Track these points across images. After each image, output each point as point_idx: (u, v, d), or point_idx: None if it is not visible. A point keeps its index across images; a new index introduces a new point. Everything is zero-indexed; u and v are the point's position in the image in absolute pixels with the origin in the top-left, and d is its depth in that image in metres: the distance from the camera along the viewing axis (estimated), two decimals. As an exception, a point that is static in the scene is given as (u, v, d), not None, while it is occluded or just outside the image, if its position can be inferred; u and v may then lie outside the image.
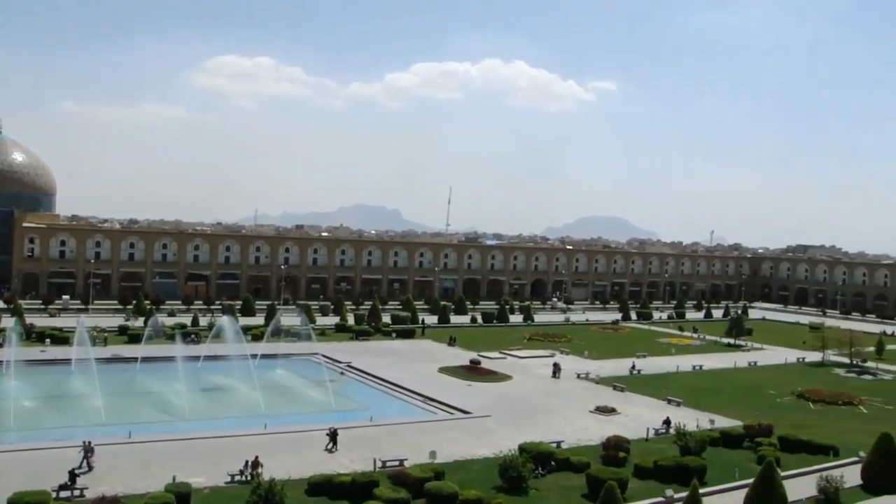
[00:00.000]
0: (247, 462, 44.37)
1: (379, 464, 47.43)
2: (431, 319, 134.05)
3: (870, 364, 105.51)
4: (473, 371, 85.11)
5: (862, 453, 51.91)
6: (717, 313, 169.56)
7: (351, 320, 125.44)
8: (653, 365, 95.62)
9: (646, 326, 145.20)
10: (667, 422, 61.22)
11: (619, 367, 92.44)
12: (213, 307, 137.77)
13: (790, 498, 41.29)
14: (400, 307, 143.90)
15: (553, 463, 48.33)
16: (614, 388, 78.99)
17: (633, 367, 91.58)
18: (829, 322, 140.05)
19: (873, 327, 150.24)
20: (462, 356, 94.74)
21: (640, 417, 64.93)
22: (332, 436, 51.59)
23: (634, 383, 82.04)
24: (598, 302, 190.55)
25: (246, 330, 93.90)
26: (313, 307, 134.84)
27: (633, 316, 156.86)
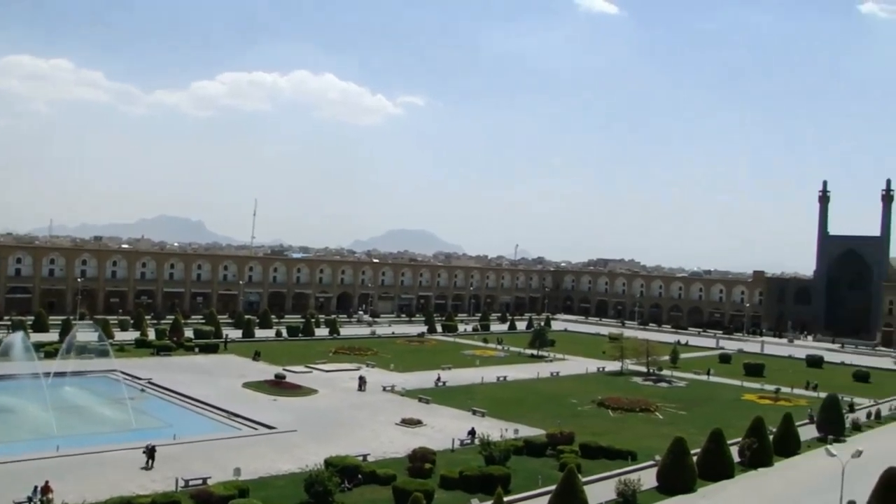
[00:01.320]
0: (36, 488, 42.14)
1: (181, 483, 46.46)
2: (236, 334, 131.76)
3: (665, 372, 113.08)
4: (278, 386, 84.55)
5: (657, 457, 55.79)
6: (521, 325, 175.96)
7: (152, 335, 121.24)
8: (458, 377, 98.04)
9: (451, 339, 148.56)
10: (472, 432, 63.04)
11: (424, 379, 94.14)
12: (1, 323, 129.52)
13: (591, 502, 43.86)
14: (203, 321, 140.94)
15: (359, 476, 48.98)
16: (420, 400, 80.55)
17: (439, 379, 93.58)
18: (627, 333, 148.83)
19: (668, 337, 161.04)
20: (267, 371, 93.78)
21: (445, 429, 66.54)
22: (150, 452, 50.66)
23: (440, 395, 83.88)
24: (404, 315, 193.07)
25: (38, 347, 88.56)
26: (112, 322, 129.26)
27: (439, 328, 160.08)
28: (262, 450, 56.83)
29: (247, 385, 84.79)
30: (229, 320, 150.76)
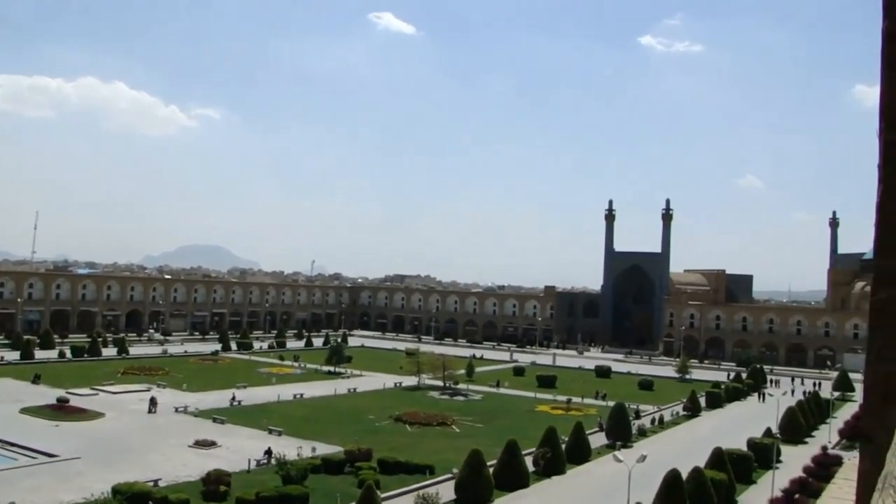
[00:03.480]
0: None
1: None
2: (13, 355, 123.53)
3: (461, 386, 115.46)
4: (61, 410, 79.81)
5: (455, 470, 56.99)
6: (318, 342, 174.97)
7: None
8: (254, 395, 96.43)
9: (246, 356, 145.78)
10: (268, 452, 62.15)
11: (219, 398, 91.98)
12: None
13: (390, 516, 44.35)
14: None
15: (150, 503, 47.24)
16: (215, 420, 78.62)
17: (234, 398, 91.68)
18: (423, 348, 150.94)
19: (464, 351, 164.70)
20: (49, 394, 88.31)
21: (241, 449, 65.27)
22: None
23: (235, 415, 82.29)
24: (197, 333, 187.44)
25: None
26: None
27: (234, 346, 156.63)
28: (41, 481, 53.55)
29: (25, 411, 79.49)
30: (6, 341, 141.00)
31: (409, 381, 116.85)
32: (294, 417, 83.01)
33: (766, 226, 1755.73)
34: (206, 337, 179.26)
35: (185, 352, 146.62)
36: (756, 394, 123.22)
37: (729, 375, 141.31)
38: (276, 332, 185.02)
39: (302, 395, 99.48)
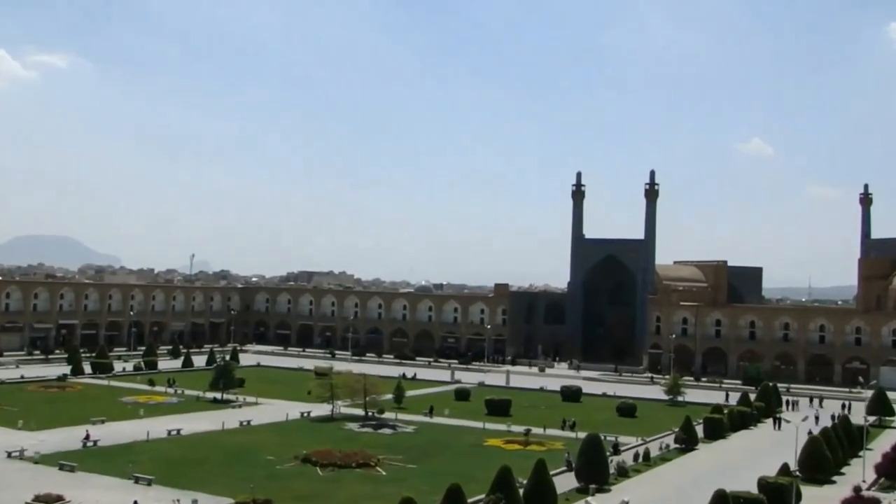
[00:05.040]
0: None
1: None
2: None
3: (388, 415, 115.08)
4: None
5: (379, 523, 56.62)
6: (200, 360, 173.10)
7: None
8: (115, 433, 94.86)
9: (105, 381, 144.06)
10: (135, 507, 61.34)
11: (68, 438, 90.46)
12: None
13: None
14: None
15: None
16: (62, 467, 77.05)
17: (88, 437, 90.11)
18: (338, 366, 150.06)
19: (391, 370, 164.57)
20: None
21: (98, 505, 64.27)
22: None
23: (90, 459, 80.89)
24: (38, 352, 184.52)
25: None
26: None
27: (88, 369, 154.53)
28: None
29: None
30: None
31: (321, 409, 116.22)
32: (169, 460, 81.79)
33: (779, 204, 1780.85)
34: (51, 357, 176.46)
35: (22, 377, 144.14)
36: (769, 420, 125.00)
37: (726, 397, 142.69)
38: (144, 348, 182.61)
39: (179, 430, 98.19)
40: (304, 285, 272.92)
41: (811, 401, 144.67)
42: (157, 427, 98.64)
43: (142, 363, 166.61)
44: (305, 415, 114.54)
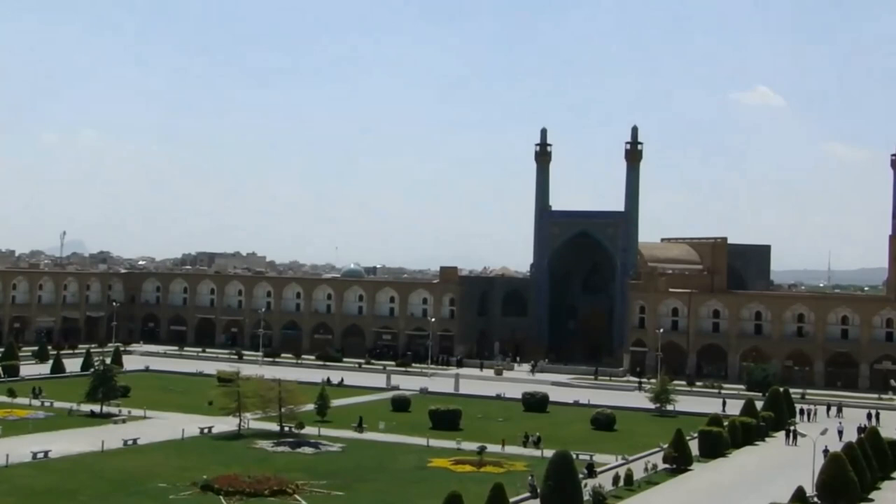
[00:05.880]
0: None
1: None
2: None
3: (309, 430, 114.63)
4: None
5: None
6: (74, 365, 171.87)
7: None
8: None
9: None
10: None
11: None
12: None
13: None
14: None
15: None
16: None
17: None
18: (247, 369, 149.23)
19: (313, 374, 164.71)
20: None
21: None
22: None
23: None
24: None
25: None
26: None
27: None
28: None
29: None
30: None
31: (225, 424, 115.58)
32: (33, 492, 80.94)
33: (790, 168, 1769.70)
34: None
35: None
36: (779, 433, 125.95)
37: (723, 405, 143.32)
38: (1, 350, 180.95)
39: (47, 453, 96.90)
40: (203, 270, 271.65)
41: (830, 409, 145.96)
42: (18, 449, 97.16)
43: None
44: (206, 431, 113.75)
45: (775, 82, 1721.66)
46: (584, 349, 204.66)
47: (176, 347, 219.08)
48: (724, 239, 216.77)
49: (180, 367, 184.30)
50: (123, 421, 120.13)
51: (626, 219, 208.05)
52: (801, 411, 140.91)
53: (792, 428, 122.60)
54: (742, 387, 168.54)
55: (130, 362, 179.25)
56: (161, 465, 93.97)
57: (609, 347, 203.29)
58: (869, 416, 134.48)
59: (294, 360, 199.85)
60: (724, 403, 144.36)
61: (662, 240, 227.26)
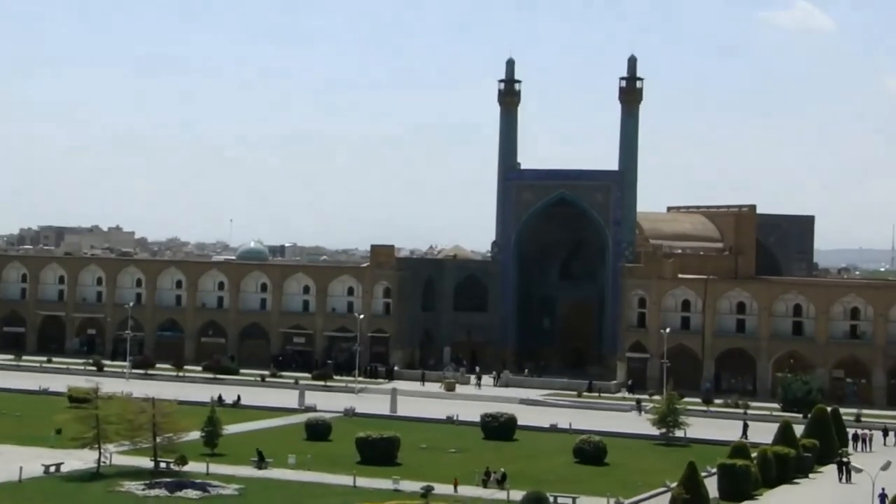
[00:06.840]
0: None
1: None
2: None
3: (194, 467, 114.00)
4: None
5: None
6: None
7: None
8: None
9: None
10: None
11: None
12: None
13: None
14: None
15: None
16: None
17: None
18: (109, 384, 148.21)
19: (199, 390, 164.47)
20: None
21: None
22: None
23: None
24: None
25: None
26: None
27: None
28: None
29: None
30: None
31: (79, 460, 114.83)
32: None
33: (837, 112, 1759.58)
34: None
35: None
36: (827, 467, 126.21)
37: (744, 430, 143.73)
38: None
39: None
40: (48, 251, 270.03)
41: (888, 435, 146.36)
42: None
43: None
44: (52, 470, 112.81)
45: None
46: (563, 356, 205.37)
47: (11, 356, 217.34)
48: (753, 207, 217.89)
49: (16, 382, 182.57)
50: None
51: (621, 181, 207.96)
52: (856, 437, 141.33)
53: (845, 460, 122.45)
54: (776, 405, 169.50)
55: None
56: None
57: (597, 353, 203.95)
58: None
59: (174, 373, 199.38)
60: (745, 427, 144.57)
61: (669, 209, 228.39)
